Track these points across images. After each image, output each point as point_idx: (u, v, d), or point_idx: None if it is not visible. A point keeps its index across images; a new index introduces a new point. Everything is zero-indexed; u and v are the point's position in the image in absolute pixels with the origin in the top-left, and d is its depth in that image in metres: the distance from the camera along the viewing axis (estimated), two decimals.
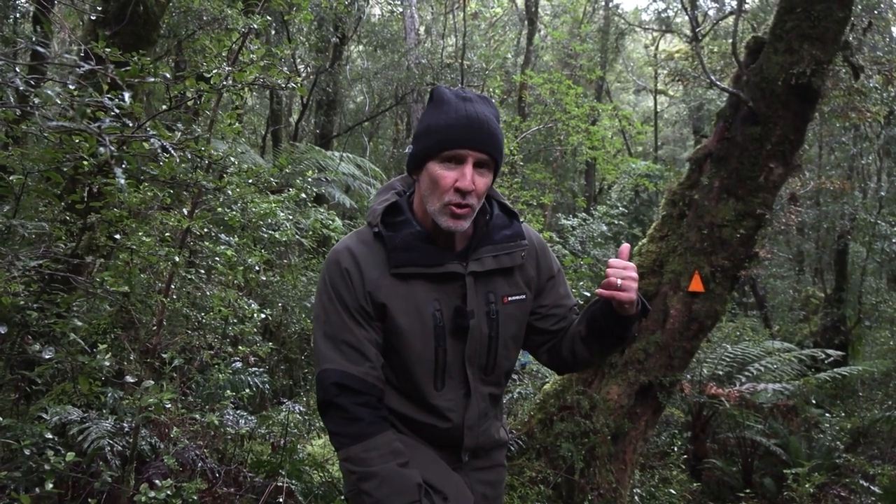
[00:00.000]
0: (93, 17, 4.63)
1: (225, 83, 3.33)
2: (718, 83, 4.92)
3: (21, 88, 2.50)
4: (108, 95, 2.67)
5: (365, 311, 1.76)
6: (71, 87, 2.71)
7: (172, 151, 2.82)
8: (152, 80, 2.75)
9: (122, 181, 2.44)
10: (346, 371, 1.74)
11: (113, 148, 2.53)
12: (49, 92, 2.54)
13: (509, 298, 1.86)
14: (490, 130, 1.70)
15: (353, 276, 1.76)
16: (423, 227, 1.80)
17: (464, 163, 1.69)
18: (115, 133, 2.65)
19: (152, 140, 2.70)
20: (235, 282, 4.58)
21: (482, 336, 1.83)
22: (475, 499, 1.91)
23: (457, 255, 1.81)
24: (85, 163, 2.84)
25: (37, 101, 2.59)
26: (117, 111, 2.65)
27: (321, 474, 4.24)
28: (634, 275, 1.70)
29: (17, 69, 2.70)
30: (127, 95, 2.66)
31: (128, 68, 2.71)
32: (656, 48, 19.17)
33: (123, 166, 2.69)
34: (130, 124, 2.72)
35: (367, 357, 1.76)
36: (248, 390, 4.41)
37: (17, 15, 9.34)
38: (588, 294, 6.98)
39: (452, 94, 1.74)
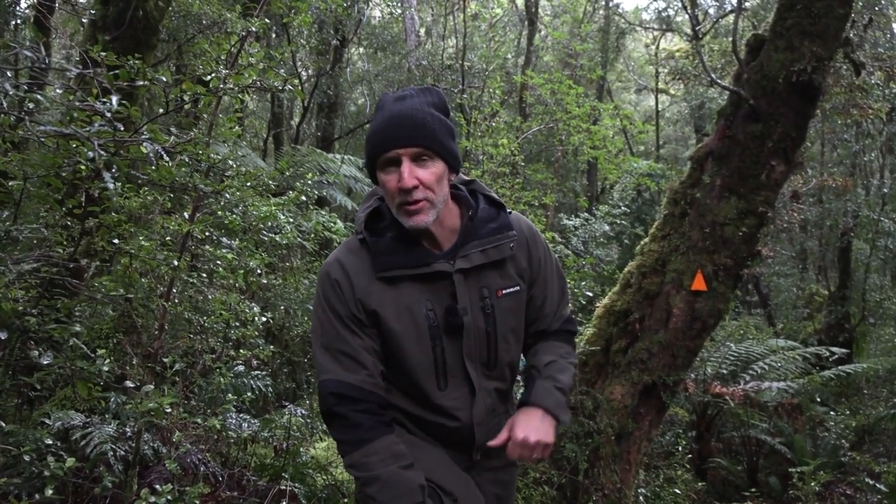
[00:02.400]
0: (84, 21, 4.62)
1: (223, 86, 3.33)
2: (719, 81, 4.91)
3: (11, 93, 2.49)
4: (102, 100, 2.66)
5: (357, 319, 1.77)
6: (59, 91, 2.71)
7: (165, 156, 2.82)
8: (142, 83, 2.74)
9: (111, 186, 2.43)
10: (343, 381, 1.75)
11: (102, 152, 2.52)
12: (39, 96, 2.53)
13: (504, 292, 1.85)
14: (415, 123, 1.67)
15: (343, 286, 1.77)
16: (406, 229, 1.79)
17: (399, 163, 1.68)
18: (106, 137, 2.64)
19: (146, 144, 2.69)
20: (237, 285, 4.58)
21: (479, 332, 1.82)
22: (487, 499, 1.91)
23: (444, 254, 1.80)
24: (82, 167, 2.84)
25: (31, 106, 2.59)
26: (109, 115, 2.64)
27: (324, 477, 4.23)
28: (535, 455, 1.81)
29: (9, 73, 2.69)
30: (115, 99, 2.65)
31: (117, 72, 2.71)
32: (657, 47, 19.14)
33: (113, 170, 2.68)
34: (122, 128, 2.71)
35: (363, 365, 1.77)
36: (250, 394, 4.41)
37: (18, 21, 9.36)
38: (590, 294, 6.95)
39: (390, 98, 1.74)
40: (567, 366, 1.95)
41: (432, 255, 1.78)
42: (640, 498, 4.77)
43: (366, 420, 1.74)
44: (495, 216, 1.86)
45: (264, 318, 4.52)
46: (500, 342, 1.86)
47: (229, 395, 4.19)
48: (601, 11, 18.61)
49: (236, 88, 3.45)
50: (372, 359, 1.79)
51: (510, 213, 1.91)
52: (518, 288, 1.88)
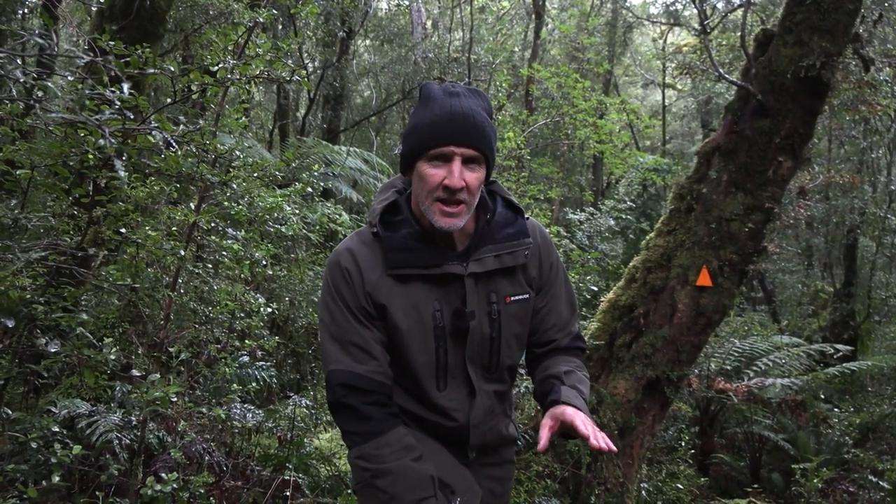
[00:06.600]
0: (94, 8, 4.62)
1: (230, 76, 3.33)
2: (727, 76, 4.88)
3: (21, 80, 2.50)
4: (111, 89, 2.66)
5: (367, 311, 1.75)
6: (70, 78, 2.71)
7: (174, 144, 2.82)
8: (152, 71, 2.74)
9: (122, 174, 2.44)
10: (353, 371, 1.73)
11: (112, 140, 2.52)
12: (49, 84, 2.53)
13: (512, 298, 1.83)
14: (476, 124, 1.65)
15: (354, 276, 1.75)
16: (422, 226, 1.77)
17: (451, 160, 1.64)
18: (116, 125, 2.64)
19: (154, 133, 2.69)
20: (242, 276, 4.60)
21: (483, 337, 1.81)
22: (483, 494, 1.91)
23: (457, 255, 1.78)
24: (90, 156, 2.84)
25: (40, 94, 2.60)
26: (119, 104, 2.64)
27: (328, 468, 4.25)
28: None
29: (19, 61, 2.69)
30: (126, 87, 2.65)
31: (128, 59, 2.71)
32: (664, 41, 19.06)
33: (124, 158, 2.68)
34: (132, 116, 2.71)
35: (373, 356, 1.75)
36: (255, 384, 4.42)
37: (26, 10, 9.37)
38: (595, 289, 6.95)
39: (440, 90, 1.70)
40: (584, 377, 1.91)
41: (445, 256, 1.75)
42: (643, 492, 4.78)
43: (376, 412, 1.73)
44: (513, 221, 1.83)
45: (269, 309, 4.53)
46: (504, 348, 1.85)
47: (234, 385, 4.20)
48: (608, 5, 18.52)
49: (243, 79, 3.45)
50: (381, 349, 1.77)
51: (528, 218, 1.88)
52: (527, 296, 1.86)
